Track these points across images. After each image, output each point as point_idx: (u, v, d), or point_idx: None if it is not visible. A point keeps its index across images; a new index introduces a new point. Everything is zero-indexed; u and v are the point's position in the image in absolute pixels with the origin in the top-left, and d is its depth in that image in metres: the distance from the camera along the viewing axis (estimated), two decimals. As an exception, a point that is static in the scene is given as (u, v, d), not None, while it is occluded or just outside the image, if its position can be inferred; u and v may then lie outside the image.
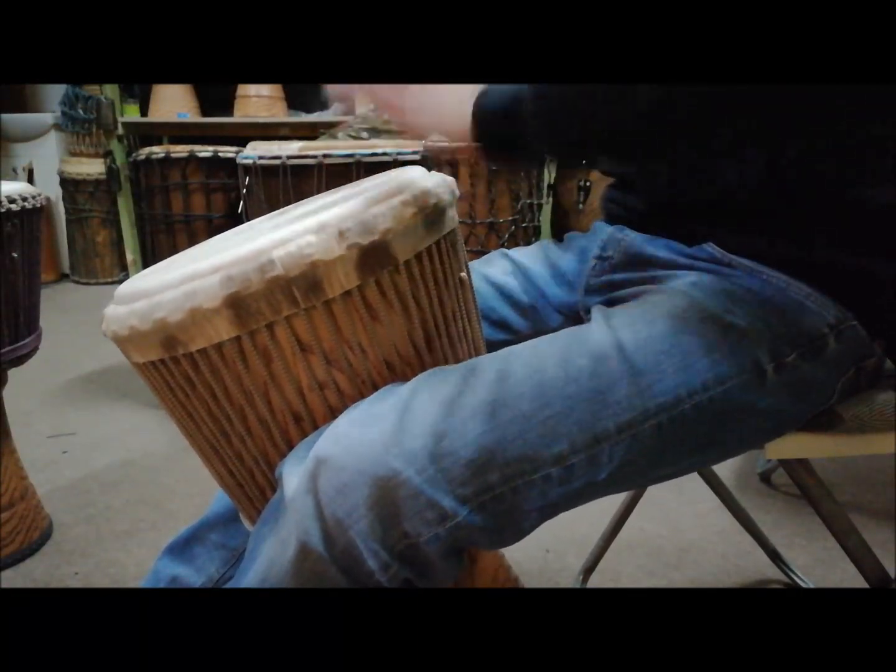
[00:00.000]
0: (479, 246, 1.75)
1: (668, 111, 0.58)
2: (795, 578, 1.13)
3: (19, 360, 1.18)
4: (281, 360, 0.50)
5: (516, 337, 0.74)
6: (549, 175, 2.14)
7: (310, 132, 2.14)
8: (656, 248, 0.67)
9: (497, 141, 0.62)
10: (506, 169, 1.75)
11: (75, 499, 1.43)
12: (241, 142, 1.79)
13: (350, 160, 1.49)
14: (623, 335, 0.54)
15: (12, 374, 1.22)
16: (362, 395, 0.52)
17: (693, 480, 1.01)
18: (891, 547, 1.14)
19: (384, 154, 1.50)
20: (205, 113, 2.73)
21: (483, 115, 0.61)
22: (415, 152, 1.55)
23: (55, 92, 3.41)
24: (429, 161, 1.60)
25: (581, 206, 2.21)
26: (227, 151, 1.88)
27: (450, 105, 0.62)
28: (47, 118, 3.39)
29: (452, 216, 0.57)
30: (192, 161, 1.87)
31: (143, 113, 2.75)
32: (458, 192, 0.59)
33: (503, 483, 0.49)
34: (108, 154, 2.16)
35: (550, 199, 2.25)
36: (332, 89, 0.66)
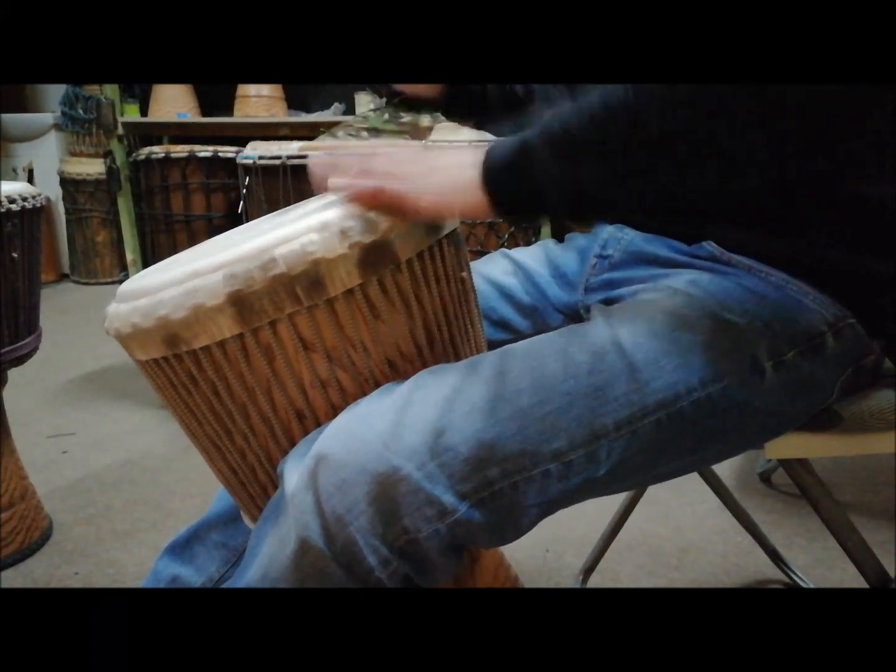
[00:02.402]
0: (479, 246, 1.75)
1: (670, 110, 0.58)
2: (795, 578, 1.13)
3: (19, 360, 1.18)
4: (283, 358, 0.50)
5: (517, 337, 0.74)
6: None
7: (310, 132, 2.14)
8: (656, 246, 0.67)
9: (510, 197, 0.54)
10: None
11: (75, 499, 1.43)
12: (241, 142, 1.79)
13: (350, 160, 1.48)
14: (622, 332, 0.54)
15: (12, 374, 1.22)
16: (364, 393, 0.52)
17: (693, 480, 1.01)
18: (891, 547, 1.14)
19: (384, 154, 1.50)
20: (205, 113, 2.73)
21: (493, 169, 0.53)
22: (415, 152, 1.55)
23: (55, 92, 3.41)
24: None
25: (581, 206, 2.20)
26: (227, 151, 1.88)
27: (457, 177, 0.54)
28: (47, 118, 3.39)
29: (454, 216, 0.57)
30: (192, 161, 1.87)
31: (143, 113, 2.75)
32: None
33: (502, 479, 0.49)
34: (108, 154, 2.16)
35: (550, 199, 2.24)
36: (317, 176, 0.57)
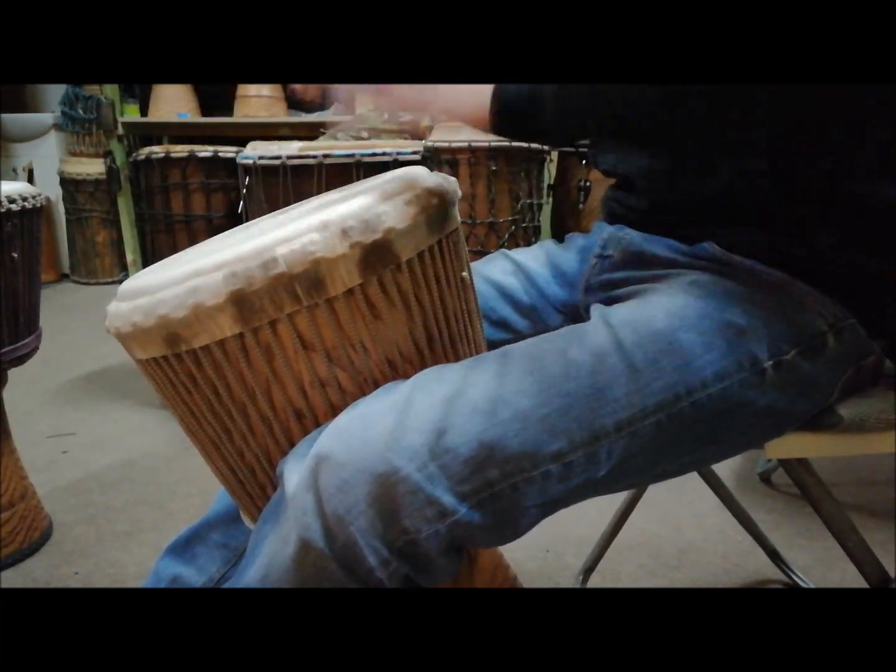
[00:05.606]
0: (479, 246, 1.75)
1: (671, 108, 0.58)
2: (795, 578, 1.13)
3: (19, 360, 1.18)
4: (283, 358, 0.50)
5: (517, 337, 0.74)
6: (549, 175, 2.13)
7: (310, 132, 2.14)
8: (656, 247, 0.67)
9: (516, 123, 0.62)
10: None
11: (75, 499, 1.43)
12: (241, 142, 1.79)
13: (350, 160, 1.49)
14: (622, 333, 0.54)
15: (12, 374, 1.22)
16: (364, 393, 0.52)
17: (693, 480, 1.01)
18: (891, 547, 1.14)
19: (384, 154, 1.51)
20: (205, 113, 2.73)
21: (503, 98, 0.60)
22: (415, 152, 1.56)
23: (55, 92, 3.41)
24: (429, 161, 1.60)
25: (581, 206, 2.20)
26: (227, 151, 1.88)
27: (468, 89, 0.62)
28: (47, 118, 3.40)
29: (454, 215, 0.57)
30: (192, 161, 1.87)
31: (143, 113, 2.75)
32: (460, 192, 0.59)
33: (502, 480, 0.49)
34: (108, 154, 2.16)
35: (550, 199, 2.24)
36: (335, 90, 0.65)
